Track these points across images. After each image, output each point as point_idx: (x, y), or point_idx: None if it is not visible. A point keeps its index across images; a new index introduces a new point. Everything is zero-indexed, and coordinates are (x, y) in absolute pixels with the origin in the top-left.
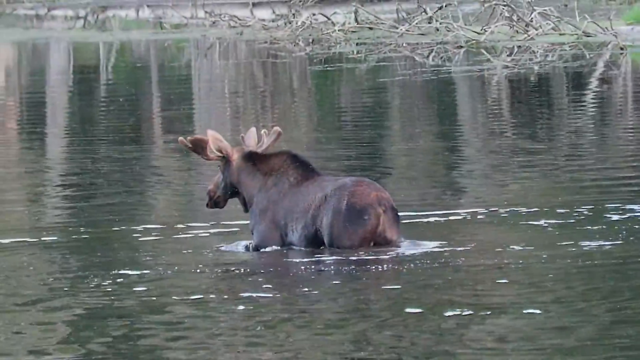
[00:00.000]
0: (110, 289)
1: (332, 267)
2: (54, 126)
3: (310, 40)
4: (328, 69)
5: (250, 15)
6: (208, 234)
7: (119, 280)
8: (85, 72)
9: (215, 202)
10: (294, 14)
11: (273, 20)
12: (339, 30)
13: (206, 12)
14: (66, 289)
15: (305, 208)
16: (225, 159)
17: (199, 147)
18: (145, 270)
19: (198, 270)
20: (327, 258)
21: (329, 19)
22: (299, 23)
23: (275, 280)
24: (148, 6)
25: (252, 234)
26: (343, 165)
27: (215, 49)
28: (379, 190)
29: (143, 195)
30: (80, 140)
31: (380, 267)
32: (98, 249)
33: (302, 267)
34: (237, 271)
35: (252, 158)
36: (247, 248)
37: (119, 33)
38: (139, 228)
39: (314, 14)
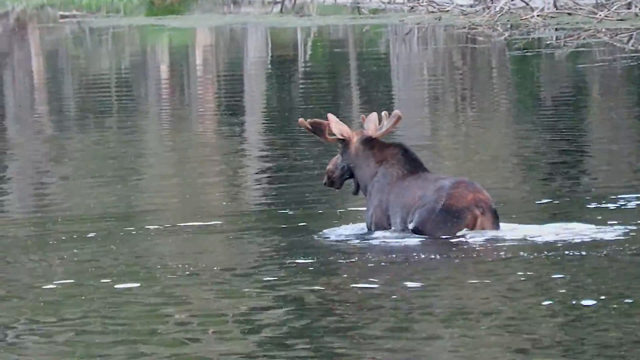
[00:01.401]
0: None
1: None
2: (252, 111)
3: (509, 26)
4: (527, 54)
5: (449, 0)
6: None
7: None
8: (282, 57)
9: (332, 182)
10: (492, 0)
11: (471, 6)
12: (537, 16)
13: None
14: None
15: (404, 204)
16: (345, 142)
17: (318, 129)
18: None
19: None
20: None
21: (527, 4)
22: (498, 8)
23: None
24: None
25: (367, 218)
26: (540, 152)
27: (413, 35)
28: (477, 192)
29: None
30: (277, 124)
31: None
32: (301, 230)
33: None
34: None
35: (370, 143)
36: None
37: (317, 18)
38: (341, 210)
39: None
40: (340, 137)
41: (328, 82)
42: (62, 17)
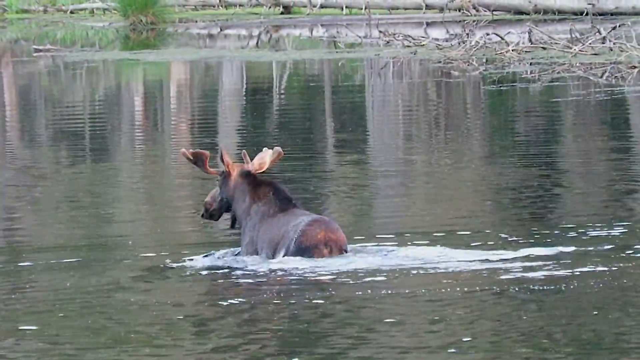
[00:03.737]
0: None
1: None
2: (225, 143)
3: (484, 60)
4: (502, 88)
5: (424, 34)
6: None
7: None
8: (257, 91)
9: (211, 215)
10: (467, 34)
11: (447, 40)
12: (512, 50)
13: (380, 31)
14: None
15: (270, 239)
16: (225, 174)
17: (199, 160)
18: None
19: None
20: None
21: (502, 38)
22: (473, 43)
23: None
24: (322, 25)
25: (242, 253)
26: (518, 182)
27: (389, 68)
28: (329, 231)
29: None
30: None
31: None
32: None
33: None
34: None
35: (248, 178)
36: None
37: (293, 52)
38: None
39: (487, 34)
40: (220, 171)
41: (303, 115)
42: (36, 50)
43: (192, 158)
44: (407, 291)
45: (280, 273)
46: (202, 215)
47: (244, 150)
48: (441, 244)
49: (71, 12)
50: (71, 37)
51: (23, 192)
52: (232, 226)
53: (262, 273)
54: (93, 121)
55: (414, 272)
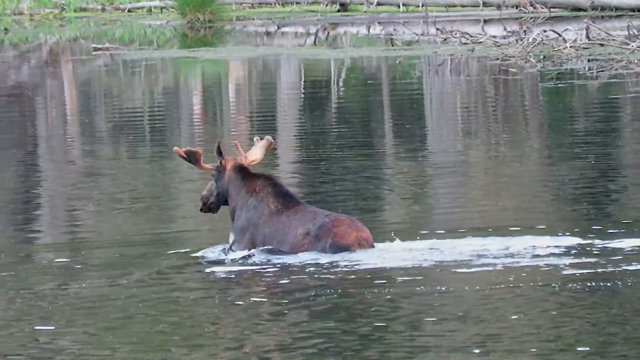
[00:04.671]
0: None
1: None
2: (284, 141)
3: (542, 57)
4: (559, 85)
5: (482, 32)
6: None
7: None
8: (316, 89)
9: (209, 208)
10: (525, 31)
11: (504, 37)
12: (570, 47)
13: (437, 29)
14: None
15: (286, 239)
16: (219, 169)
17: (193, 158)
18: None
19: None
20: None
21: (560, 35)
22: (530, 40)
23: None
24: (379, 23)
25: (231, 248)
26: (576, 178)
27: (446, 66)
28: (359, 230)
29: (372, 201)
30: (309, 152)
31: None
32: None
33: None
34: None
35: (241, 171)
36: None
37: (350, 50)
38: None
39: (545, 31)
40: (213, 165)
41: (361, 113)
42: (95, 49)
43: (185, 156)
44: (466, 288)
45: (342, 269)
46: (201, 209)
47: (236, 142)
48: (499, 238)
49: (129, 11)
50: (129, 35)
51: (84, 188)
52: (233, 219)
53: (318, 268)
54: (152, 118)
55: (474, 268)
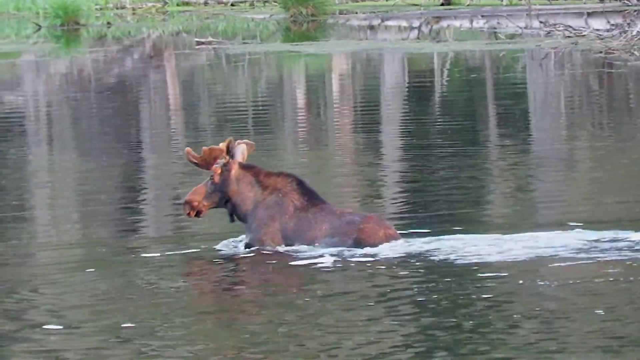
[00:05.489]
0: None
1: None
2: (388, 137)
3: None
4: None
5: (585, 25)
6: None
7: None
8: (419, 82)
9: (199, 212)
10: (628, 24)
11: (608, 30)
12: None
13: (541, 22)
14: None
15: (312, 237)
16: (224, 168)
17: (212, 157)
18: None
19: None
20: None
21: None
22: (634, 32)
23: None
24: (482, 16)
25: (248, 244)
26: None
27: (550, 59)
28: (387, 228)
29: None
30: (414, 150)
31: None
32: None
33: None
34: None
35: (252, 169)
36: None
37: (453, 43)
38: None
39: None
40: (224, 163)
41: (464, 106)
42: (198, 43)
43: (198, 160)
44: (570, 282)
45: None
46: (188, 214)
47: (230, 138)
48: (606, 231)
49: (231, 5)
50: (232, 29)
51: (187, 182)
52: (232, 220)
53: (407, 263)
54: (256, 112)
55: (579, 261)
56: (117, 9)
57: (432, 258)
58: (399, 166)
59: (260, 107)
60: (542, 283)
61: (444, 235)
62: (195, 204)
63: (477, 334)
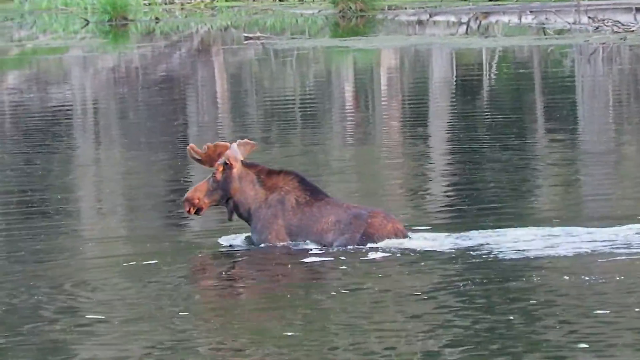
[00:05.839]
0: None
1: None
2: (437, 132)
3: None
4: None
5: (634, 20)
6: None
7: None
8: (467, 77)
9: (199, 209)
10: None
11: None
12: None
13: (589, 17)
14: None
15: (319, 230)
16: (227, 166)
17: (216, 154)
18: None
19: None
20: None
21: None
22: None
23: None
24: (531, 12)
25: (254, 243)
26: None
27: (598, 54)
28: (394, 222)
29: (524, 188)
30: (460, 139)
31: None
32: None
33: None
34: None
35: (255, 167)
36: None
37: (502, 39)
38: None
39: None
40: (225, 162)
41: (513, 101)
42: (246, 38)
43: (208, 153)
44: (617, 278)
45: (484, 257)
46: (188, 211)
47: (238, 141)
48: None
49: (280, 0)
50: (280, 24)
51: None
52: (230, 218)
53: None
54: (304, 106)
55: (624, 257)
56: (165, 4)
57: (479, 253)
58: (446, 160)
59: (308, 102)
60: (587, 279)
61: (493, 229)
62: (196, 201)
63: (519, 331)
